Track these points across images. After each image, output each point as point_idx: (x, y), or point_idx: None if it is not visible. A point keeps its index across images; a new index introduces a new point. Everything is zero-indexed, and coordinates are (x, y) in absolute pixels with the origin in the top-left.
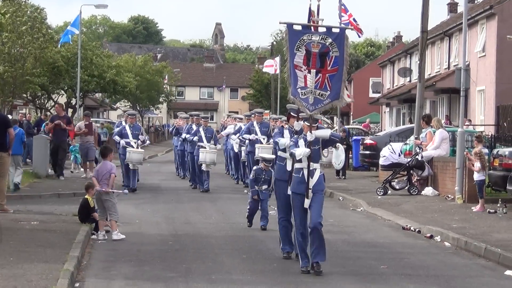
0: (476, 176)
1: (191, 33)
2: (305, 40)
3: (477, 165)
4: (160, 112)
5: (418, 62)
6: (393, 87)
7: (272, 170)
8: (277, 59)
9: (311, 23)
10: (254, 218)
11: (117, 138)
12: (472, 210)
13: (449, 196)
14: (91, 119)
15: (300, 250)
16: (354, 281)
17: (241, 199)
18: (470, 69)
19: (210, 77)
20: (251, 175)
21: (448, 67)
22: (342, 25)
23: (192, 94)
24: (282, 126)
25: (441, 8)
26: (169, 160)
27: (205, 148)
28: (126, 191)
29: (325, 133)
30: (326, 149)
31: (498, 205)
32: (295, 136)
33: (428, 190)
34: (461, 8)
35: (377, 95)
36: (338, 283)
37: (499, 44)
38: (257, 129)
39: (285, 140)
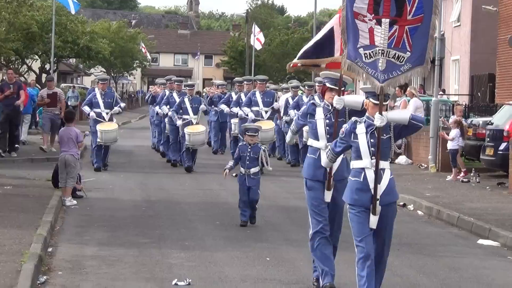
0: (450, 145)
1: None
2: None
3: (451, 134)
4: (134, 78)
5: None
6: None
7: (260, 147)
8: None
9: None
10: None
11: (86, 108)
12: (446, 179)
13: (423, 165)
14: (61, 85)
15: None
16: None
17: (216, 167)
18: (445, 39)
19: (185, 44)
20: (235, 155)
21: None
22: None
23: (166, 61)
24: (313, 103)
25: None
26: (142, 126)
27: (191, 122)
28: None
29: (403, 115)
30: (400, 140)
31: (472, 174)
32: (353, 120)
33: (402, 159)
34: None
35: None
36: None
37: (474, 14)
38: (259, 99)
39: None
